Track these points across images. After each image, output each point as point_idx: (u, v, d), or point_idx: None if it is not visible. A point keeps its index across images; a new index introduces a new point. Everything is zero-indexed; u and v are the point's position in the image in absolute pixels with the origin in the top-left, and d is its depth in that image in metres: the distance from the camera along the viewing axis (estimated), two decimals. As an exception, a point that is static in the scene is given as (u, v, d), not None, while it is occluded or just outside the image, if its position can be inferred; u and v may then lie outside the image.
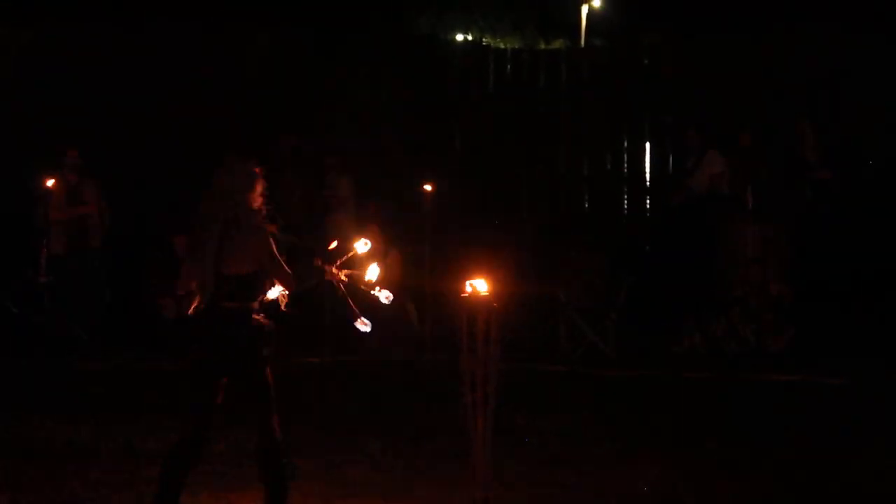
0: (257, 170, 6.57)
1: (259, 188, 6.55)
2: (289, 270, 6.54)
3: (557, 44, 20.83)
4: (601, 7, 19.82)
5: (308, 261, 6.71)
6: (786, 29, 17.07)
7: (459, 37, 20.85)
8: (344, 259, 6.71)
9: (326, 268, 6.64)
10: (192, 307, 6.46)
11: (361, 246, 6.73)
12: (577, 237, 15.12)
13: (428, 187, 14.16)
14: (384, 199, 15.73)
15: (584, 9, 19.59)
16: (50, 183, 13.80)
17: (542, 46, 19.85)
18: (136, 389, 11.38)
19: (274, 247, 6.49)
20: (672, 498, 7.58)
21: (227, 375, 6.46)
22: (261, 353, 6.47)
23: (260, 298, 6.51)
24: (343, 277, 6.68)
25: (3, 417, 9.77)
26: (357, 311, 6.75)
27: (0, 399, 10.59)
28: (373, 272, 6.72)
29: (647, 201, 17.48)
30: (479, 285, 6.18)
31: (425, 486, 7.88)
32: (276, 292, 6.59)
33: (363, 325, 6.77)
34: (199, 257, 6.42)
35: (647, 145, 17.49)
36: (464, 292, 6.21)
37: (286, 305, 6.67)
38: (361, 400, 10.81)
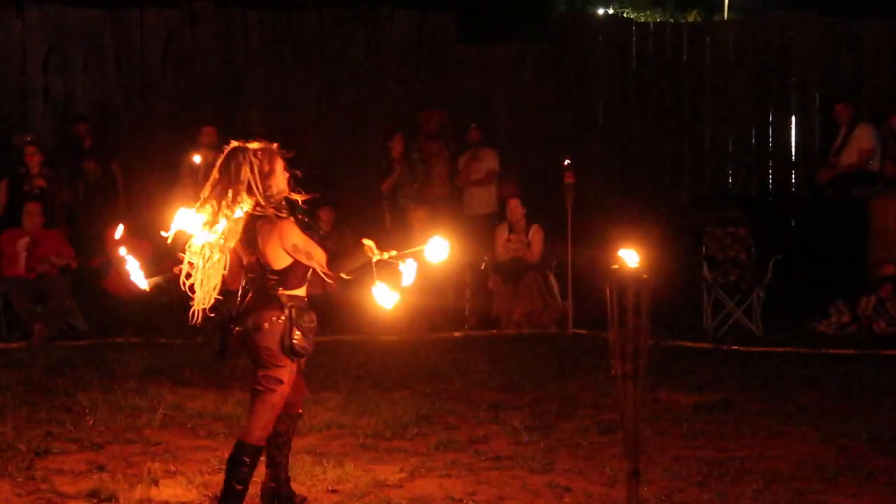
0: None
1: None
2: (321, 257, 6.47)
3: (692, 15, 20.62)
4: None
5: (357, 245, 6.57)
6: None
7: (600, 11, 20.76)
8: (405, 252, 6.51)
9: (367, 248, 6.45)
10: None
11: (434, 252, 6.52)
12: (722, 213, 14.92)
13: (568, 162, 14.10)
14: (525, 173, 15.77)
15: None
16: (197, 159, 13.97)
17: (684, 20, 19.66)
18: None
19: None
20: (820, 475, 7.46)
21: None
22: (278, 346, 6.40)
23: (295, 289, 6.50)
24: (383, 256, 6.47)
25: (153, 390, 9.94)
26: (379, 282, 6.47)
27: (151, 372, 10.81)
28: (409, 274, 6.45)
29: (793, 177, 17.21)
30: (629, 257, 6.12)
31: (570, 460, 7.87)
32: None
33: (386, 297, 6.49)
34: None
35: (793, 119, 17.21)
36: (613, 264, 6.15)
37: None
38: (504, 374, 10.81)
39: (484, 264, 14.06)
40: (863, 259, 14.49)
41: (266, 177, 6.50)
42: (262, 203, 6.44)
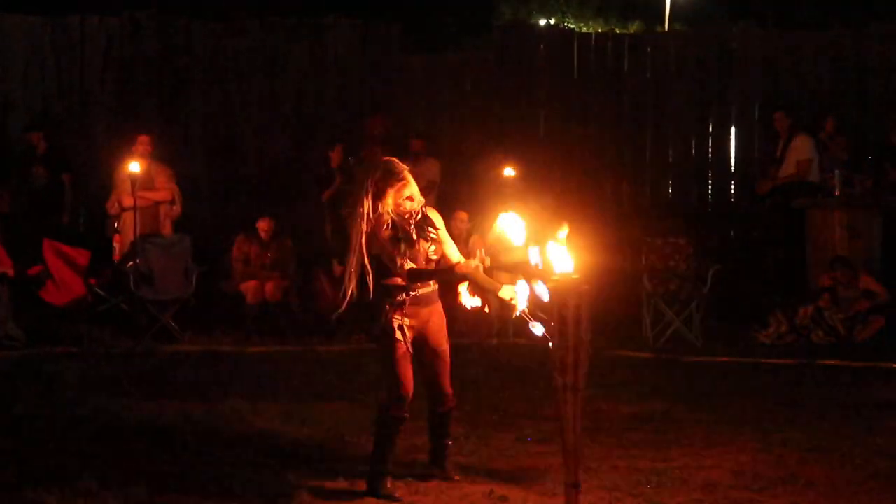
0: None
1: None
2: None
3: (635, 27, 20.74)
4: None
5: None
6: (874, 18, 16.96)
7: (542, 21, 20.82)
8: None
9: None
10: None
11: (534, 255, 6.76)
12: (662, 224, 14.99)
13: (511, 172, 14.13)
14: (468, 183, 15.76)
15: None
16: (134, 168, 13.86)
17: (624, 31, 19.75)
18: (220, 374, 11.46)
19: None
20: (758, 485, 7.49)
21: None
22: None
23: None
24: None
25: (90, 401, 9.88)
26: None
27: (87, 383, 10.72)
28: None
29: (733, 187, 17.33)
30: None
31: (510, 472, 7.85)
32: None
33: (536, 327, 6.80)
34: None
35: (733, 130, 17.33)
36: (553, 276, 6.19)
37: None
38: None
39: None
40: (802, 269, 14.60)
41: None
42: None
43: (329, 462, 8.03)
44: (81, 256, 13.93)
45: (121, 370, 11.41)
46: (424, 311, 7.35)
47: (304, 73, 16.88)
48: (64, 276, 13.76)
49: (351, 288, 7.16)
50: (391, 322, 7.21)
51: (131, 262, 13.69)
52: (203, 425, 9.01)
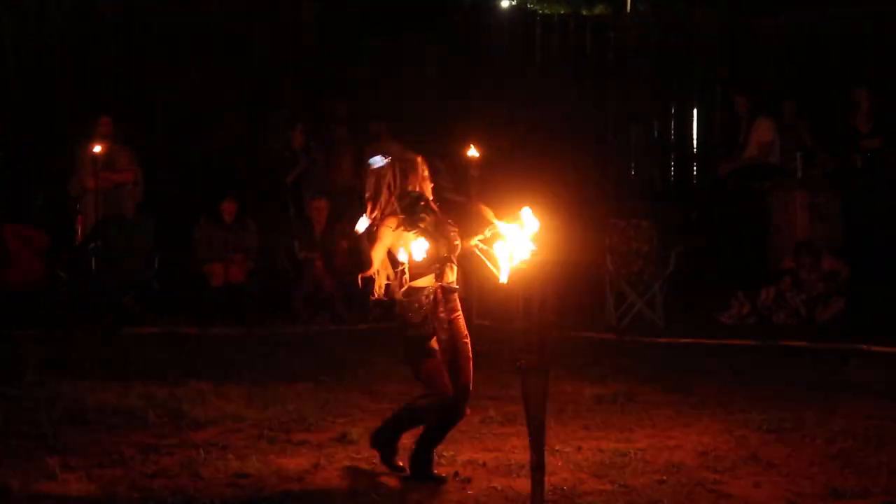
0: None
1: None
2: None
3: (599, 9, 20.73)
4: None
5: None
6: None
7: (505, 3, 20.75)
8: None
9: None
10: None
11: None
12: (624, 205, 15.02)
13: (474, 153, 14.10)
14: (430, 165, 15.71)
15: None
16: (97, 149, 13.77)
17: (586, 13, 19.75)
18: (184, 356, 11.42)
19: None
20: (720, 465, 7.53)
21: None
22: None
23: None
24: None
25: (52, 384, 9.83)
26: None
27: (50, 365, 10.65)
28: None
29: (695, 169, 17.38)
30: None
31: (472, 452, 7.85)
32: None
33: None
34: None
35: (695, 112, 17.38)
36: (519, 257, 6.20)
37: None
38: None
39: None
40: (764, 251, 14.67)
41: None
42: None
43: (293, 444, 8.01)
44: (41, 238, 13.84)
45: (83, 352, 11.34)
46: (454, 303, 7.22)
47: (264, 53, 16.77)
48: (23, 257, 13.67)
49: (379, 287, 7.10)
50: (433, 318, 7.05)
51: (93, 244, 13.62)
52: (166, 407, 8.97)
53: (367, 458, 7.63)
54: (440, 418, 7.17)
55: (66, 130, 15.29)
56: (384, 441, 7.38)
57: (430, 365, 7.05)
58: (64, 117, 15.88)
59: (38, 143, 15.37)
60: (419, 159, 7.23)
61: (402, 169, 7.16)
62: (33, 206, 14.57)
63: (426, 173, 7.23)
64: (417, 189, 7.12)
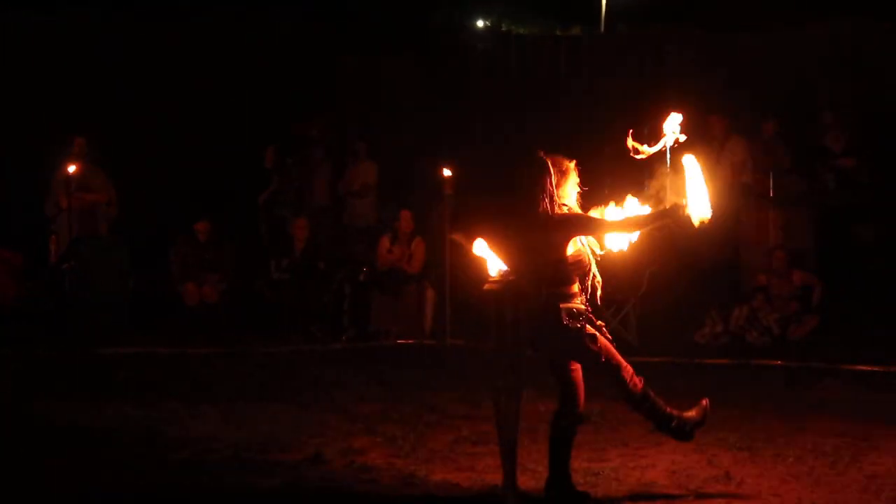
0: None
1: None
2: None
3: (576, 30, 20.80)
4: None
5: None
6: (810, 19, 17.10)
7: (480, 23, 20.81)
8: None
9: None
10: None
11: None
12: (598, 224, 15.02)
13: (448, 172, 14.13)
14: (407, 185, 15.78)
15: (605, -5, 19.56)
16: (71, 169, 13.76)
17: (560, 33, 19.82)
18: (158, 376, 11.42)
19: None
20: (692, 484, 7.56)
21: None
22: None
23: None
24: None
25: (26, 403, 9.82)
26: None
27: (23, 385, 10.64)
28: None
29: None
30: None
31: (445, 472, 7.87)
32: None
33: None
34: None
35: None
36: (490, 280, 6.23)
37: None
38: (381, 385, 10.81)
39: (363, 275, 14.05)
40: (736, 270, 14.72)
41: None
42: None
43: (268, 465, 8.02)
44: (15, 258, 13.82)
45: (56, 372, 11.32)
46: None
47: (240, 72, 16.77)
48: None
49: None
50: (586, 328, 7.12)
51: (66, 264, 13.60)
52: (140, 427, 8.97)
53: (342, 477, 7.63)
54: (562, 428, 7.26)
55: (40, 150, 15.26)
56: (659, 415, 7.46)
57: (603, 342, 7.31)
58: (38, 138, 15.84)
59: (12, 163, 15.35)
60: (573, 164, 7.51)
61: (561, 171, 7.41)
62: (7, 226, 14.58)
63: (577, 179, 7.49)
64: (561, 191, 7.33)
